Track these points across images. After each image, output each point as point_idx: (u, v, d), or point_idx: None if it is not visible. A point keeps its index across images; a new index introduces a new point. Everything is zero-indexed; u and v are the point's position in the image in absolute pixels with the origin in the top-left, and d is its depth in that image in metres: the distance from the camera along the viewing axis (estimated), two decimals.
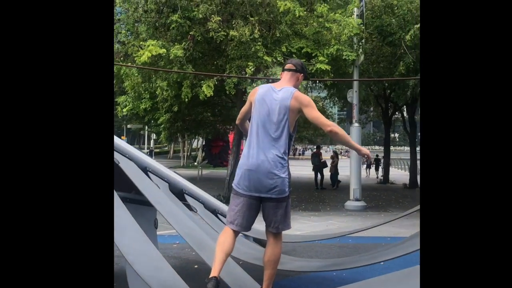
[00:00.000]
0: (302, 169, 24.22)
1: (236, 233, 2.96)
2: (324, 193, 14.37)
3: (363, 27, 9.72)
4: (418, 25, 8.55)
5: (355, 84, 9.94)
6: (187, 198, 4.52)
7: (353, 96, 10.45)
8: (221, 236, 2.95)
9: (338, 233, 4.81)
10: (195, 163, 32.41)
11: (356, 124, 10.87)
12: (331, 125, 2.95)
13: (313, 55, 9.59)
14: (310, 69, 9.51)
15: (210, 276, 2.72)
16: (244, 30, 8.70)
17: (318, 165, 16.07)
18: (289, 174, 2.99)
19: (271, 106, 2.98)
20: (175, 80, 10.23)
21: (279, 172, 2.90)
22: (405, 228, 6.96)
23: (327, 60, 9.26)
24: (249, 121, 3.15)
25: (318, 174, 16.03)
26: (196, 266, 4.82)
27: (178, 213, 3.66)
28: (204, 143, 32.13)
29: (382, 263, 3.48)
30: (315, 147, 23.60)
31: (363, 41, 9.88)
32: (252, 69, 9.12)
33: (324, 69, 9.08)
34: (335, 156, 17.01)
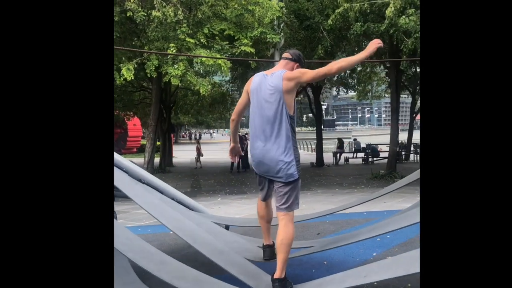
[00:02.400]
0: (216, 154, 24.23)
1: (265, 201, 3.27)
2: (241, 176, 14.41)
3: (285, 10, 9.81)
4: (339, 10, 8.88)
5: None
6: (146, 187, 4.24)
7: None
8: (257, 207, 3.35)
9: (329, 209, 4.95)
10: None
11: None
12: (332, 67, 2.90)
13: (235, 38, 9.50)
14: (234, 52, 9.42)
15: (263, 244, 3.30)
16: (168, 10, 8.29)
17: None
18: (297, 156, 2.99)
19: (266, 94, 3.01)
20: None
21: (285, 157, 2.94)
22: (334, 204, 7.24)
23: (250, 43, 9.24)
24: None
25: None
26: None
27: (159, 204, 3.41)
28: None
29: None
30: (212, 131, 23.57)
31: (282, 24, 9.96)
32: (173, 51, 8.78)
33: (249, 51, 9.05)
34: (244, 140, 17.16)
